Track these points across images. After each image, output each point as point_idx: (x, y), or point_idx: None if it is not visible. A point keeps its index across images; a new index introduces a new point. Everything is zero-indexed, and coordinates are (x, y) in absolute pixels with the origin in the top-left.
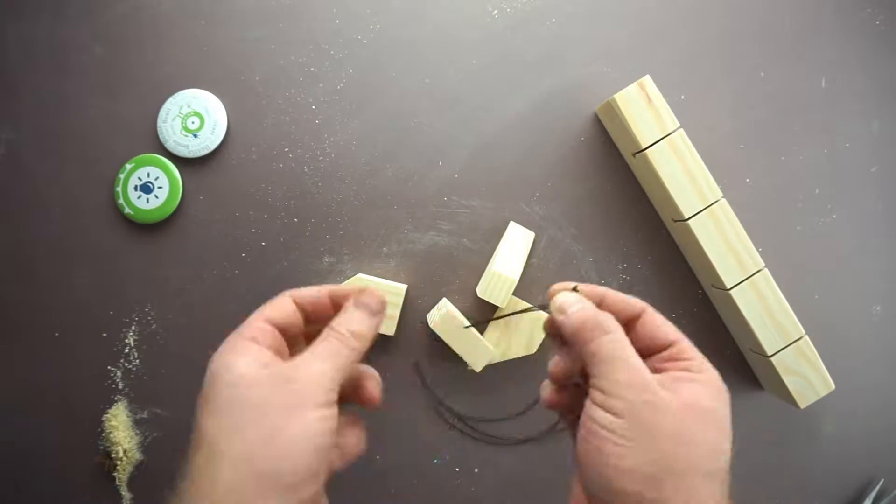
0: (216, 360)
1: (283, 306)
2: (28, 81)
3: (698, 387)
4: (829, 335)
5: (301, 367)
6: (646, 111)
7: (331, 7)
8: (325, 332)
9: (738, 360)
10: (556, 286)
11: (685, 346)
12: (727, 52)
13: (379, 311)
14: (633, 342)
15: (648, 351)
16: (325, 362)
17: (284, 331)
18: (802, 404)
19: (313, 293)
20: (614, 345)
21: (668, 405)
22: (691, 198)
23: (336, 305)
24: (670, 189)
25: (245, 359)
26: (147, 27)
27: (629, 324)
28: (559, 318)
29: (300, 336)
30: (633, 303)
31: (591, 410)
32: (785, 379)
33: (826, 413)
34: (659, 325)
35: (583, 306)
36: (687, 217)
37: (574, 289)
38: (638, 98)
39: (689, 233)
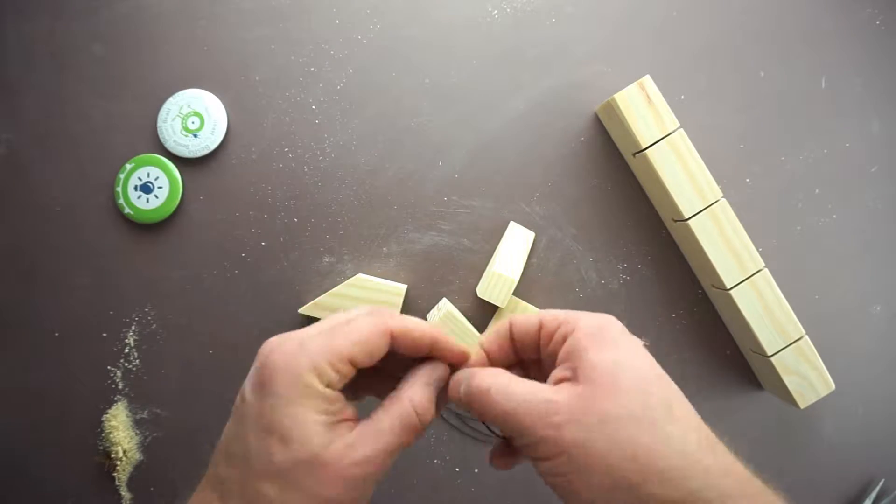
0: (280, 387)
1: (375, 344)
2: (28, 81)
3: (583, 363)
4: (829, 335)
5: (370, 464)
6: (646, 111)
7: (331, 7)
8: (409, 414)
9: (738, 360)
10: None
11: (548, 319)
12: (727, 52)
13: (440, 387)
14: (528, 352)
15: (546, 346)
16: (395, 453)
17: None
18: (802, 404)
19: (418, 336)
20: (489, 402)
21: (570, 398)
22: (691, 198)
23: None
24: (670, 189)
25: (317, 422)
26: (147, 27)
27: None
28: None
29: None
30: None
31: (541, 474)
32: (785, 379)
33: (826, 413)
34: (524, 326)
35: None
36: (687, 217)
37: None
38: (638, 98)
39: (689, 233)
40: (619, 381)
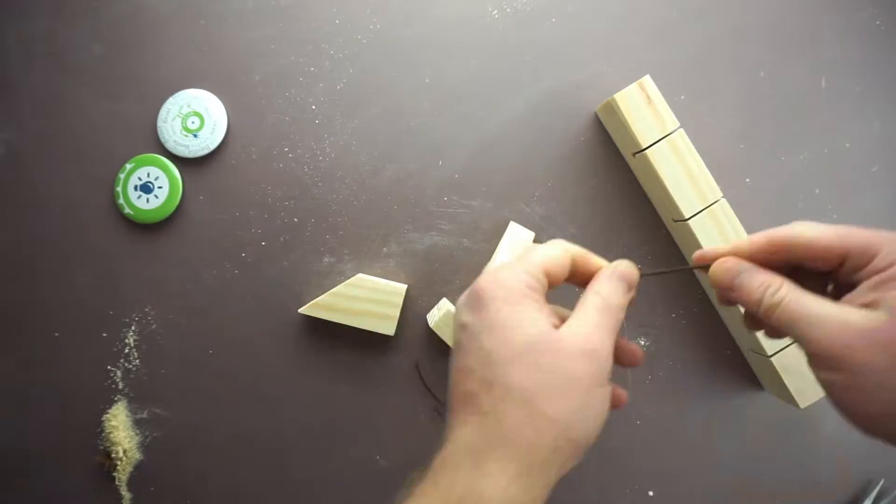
0: (498, 296)
1: (562, 263)
2: (28, 81)
3: None
4: None
5: (596, 340)
6: (646, 111)
7: (331, 7)
8: (600, 302)
9: (738, 360)
10: (701, 255)
11: (854, 245)
12: (727, 52)
13: (633, 286)
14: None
15: (850, 272)
16: (611, 336)
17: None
18: (802, 404)
19: (594, 263)
20: (788, 310)
21: (871, 324)
22: (691, 198)
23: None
24: (670, 189)
25: (541, 314)
26: (147, 27)
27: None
28: (730, 295)
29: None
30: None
31: (814, 373)
32: (785, 379)
33: (826, 413)
34: (810, 242)
35: (744, 283)
36: (687, 217)
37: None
38: (638, 98)
39: (689, 233)
40: None
